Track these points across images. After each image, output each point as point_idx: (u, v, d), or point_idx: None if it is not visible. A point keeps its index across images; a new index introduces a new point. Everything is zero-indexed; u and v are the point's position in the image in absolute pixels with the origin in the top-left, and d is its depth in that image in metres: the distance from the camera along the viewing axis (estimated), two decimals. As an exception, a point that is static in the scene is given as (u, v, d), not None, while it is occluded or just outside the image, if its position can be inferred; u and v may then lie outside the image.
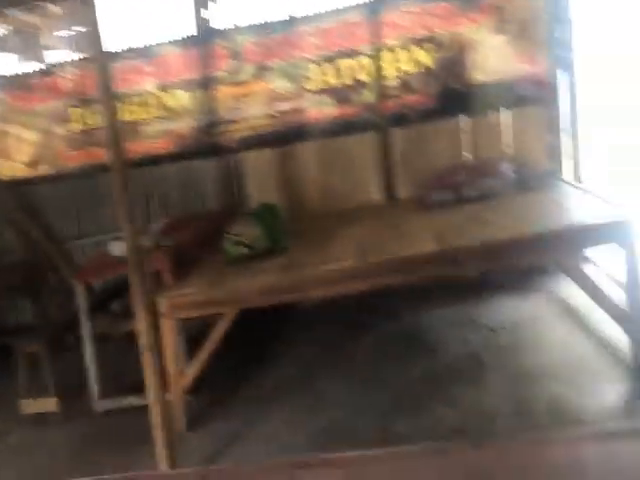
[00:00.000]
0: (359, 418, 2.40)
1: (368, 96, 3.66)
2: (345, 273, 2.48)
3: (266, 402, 2.69)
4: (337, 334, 3.27)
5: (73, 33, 3.88)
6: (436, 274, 2.61)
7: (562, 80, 3.42)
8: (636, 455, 0.87)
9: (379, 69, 3.60)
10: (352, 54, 3.61)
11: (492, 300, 3.25)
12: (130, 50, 3.71)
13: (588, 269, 2.97)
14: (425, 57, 3.60)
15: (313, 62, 3.63)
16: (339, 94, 3.69)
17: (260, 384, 2.89)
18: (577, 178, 3.18)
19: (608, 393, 2.26)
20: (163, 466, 2.09)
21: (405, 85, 3.65)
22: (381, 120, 3.65)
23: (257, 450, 2.33)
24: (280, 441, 2.36)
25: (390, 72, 3.64)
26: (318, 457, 0.99)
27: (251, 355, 3.23)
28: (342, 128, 3.69)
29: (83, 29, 3.82)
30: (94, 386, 2.94)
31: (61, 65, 3.77)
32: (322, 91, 3.68)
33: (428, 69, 3.61)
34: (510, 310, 3.11)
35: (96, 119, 3.73)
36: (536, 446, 0.93)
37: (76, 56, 3.83)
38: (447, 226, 2.75)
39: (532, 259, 2.92)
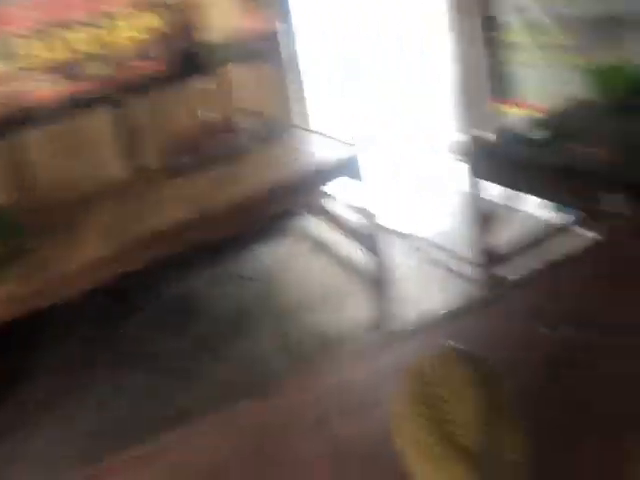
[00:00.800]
0: (140, 407, 2.33)
1: (99, 68, 3.42)
2: (97, 262, 2.36)
3: (30, 419, 2.45)
4: (99, 323, 3.10)
5: None
6: (192, 241, 2.61)
7: (285, 32, 3.58)
8: (396, 358, 0.96)
9: (108, 38, 3.38)
10: (75, 25, 3.32)
11: (248, 250, 3.35)
12: None
13: (329, 203, 3.24)
14: (154, 21, 3.47)
15: (31, 37, 3.28)
16: (66, 70, 3.39)
17: (21, 399, 2.62)
18: (307, 123, 3.39)
19: (362, 308, 2.51)
20: None
21: (138, 52, 3.48)
22: (117, 92, 3.46)
23: (23, 475, 2.12)
24: (51, 458, 2.17)
25: (121, 40, 3.44)
26: (104, 465, 0.92)
27: (4, 370, 2.90)
28: (75, 106, 3.42)
29: None
30: None
31: None
32: (46, 69, 3.35)
33: (159, 33, 3.49)
34: (266, 256, 3.24)
35: None
36: (311, 377, 1.01)
37: None
38: (197, 189, 2.76)
39: (281, 205, 3.08)
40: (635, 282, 1.01)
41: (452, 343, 0.77)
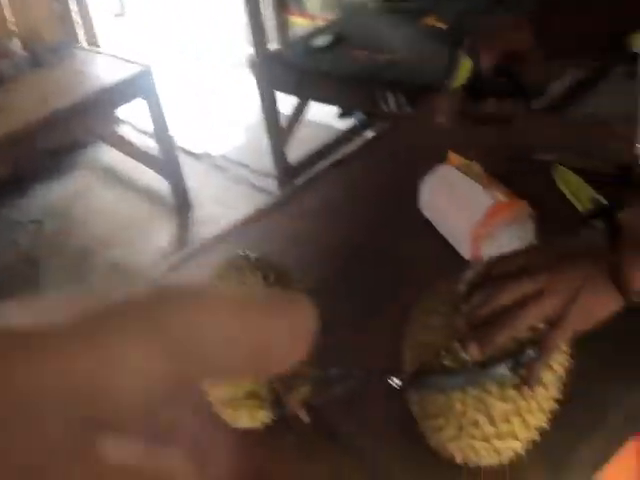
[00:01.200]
0: None
1: None
2: None
3: None
4: None
5: None
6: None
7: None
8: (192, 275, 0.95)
9: None
10: None
11: (35, 190, 3.04)
12: None
13: (121, 129, 3.04)
14: None
15: None
16: None
17: None
18: (93, 43, 3.10)
19: (163, 236, 2.45)
20: None
21: None
22: None
23: None
24: None
25: None
26: None
27: None
28: None
29: None
30: None
31: None
32: None
33: None
34: (56, 194, 2.96)
35: None
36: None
37: None
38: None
39: (65, 136, 2.83)
40: (408, 172, 1.08)
41: (243, 251, 0.74)
